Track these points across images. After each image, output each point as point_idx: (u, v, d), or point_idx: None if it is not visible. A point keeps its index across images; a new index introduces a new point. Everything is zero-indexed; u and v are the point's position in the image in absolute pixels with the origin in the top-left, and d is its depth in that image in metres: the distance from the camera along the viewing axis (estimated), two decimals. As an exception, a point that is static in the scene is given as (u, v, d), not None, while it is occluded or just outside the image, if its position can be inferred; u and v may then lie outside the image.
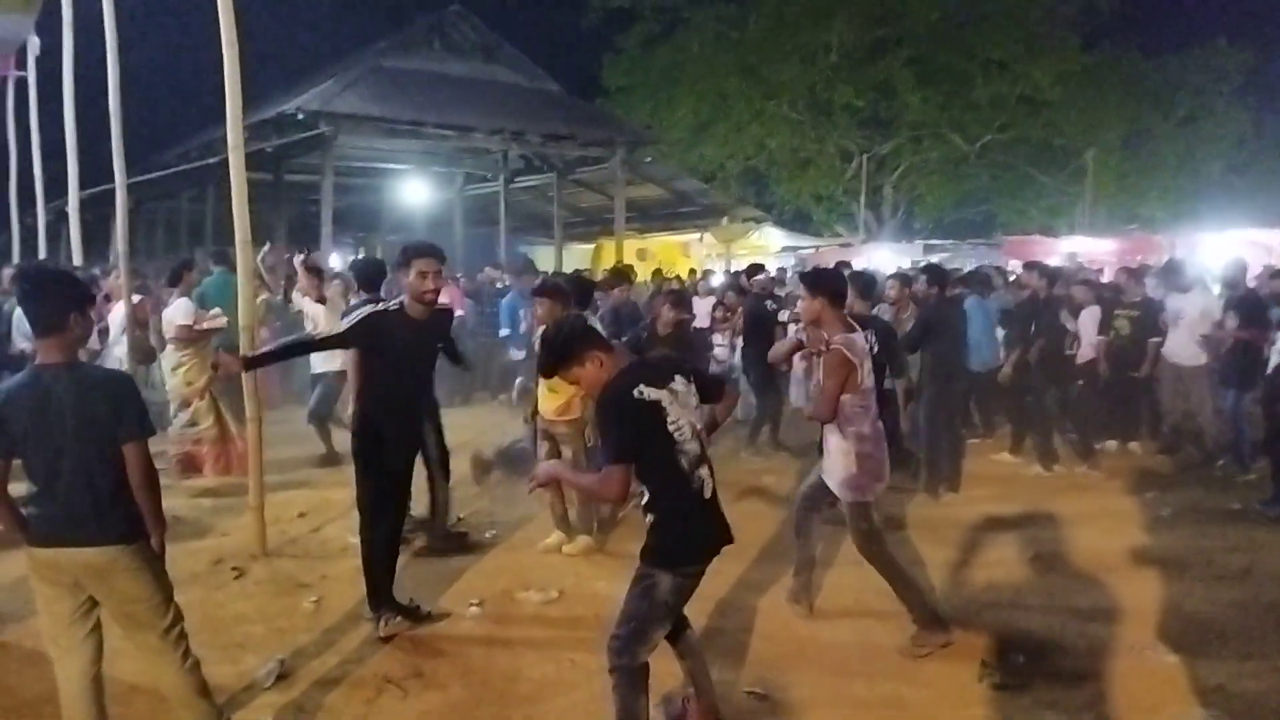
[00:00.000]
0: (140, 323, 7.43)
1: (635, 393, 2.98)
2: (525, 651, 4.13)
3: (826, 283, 4.38)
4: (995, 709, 3.63)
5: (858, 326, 4.36)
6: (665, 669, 3.42)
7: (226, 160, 5.42)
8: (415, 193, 21.07)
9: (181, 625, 3.11)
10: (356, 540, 5.38)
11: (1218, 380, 7.62)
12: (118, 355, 7.63)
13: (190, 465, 7.03)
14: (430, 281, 4.21)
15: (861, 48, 24.91)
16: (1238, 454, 7.32)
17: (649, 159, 20.69)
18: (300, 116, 14.50)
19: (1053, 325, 7.60)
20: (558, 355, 3.09)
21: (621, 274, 8.27)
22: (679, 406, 3.03)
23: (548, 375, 3.28)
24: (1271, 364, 6.39)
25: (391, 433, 4.31)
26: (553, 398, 5.42)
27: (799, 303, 4.59)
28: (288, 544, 5.61)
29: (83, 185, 9.36)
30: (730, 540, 3.21)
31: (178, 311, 6.99)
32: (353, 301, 6.43)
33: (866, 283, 6.84)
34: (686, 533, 3.12)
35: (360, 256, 9.57)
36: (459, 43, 18.62)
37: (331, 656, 4.07)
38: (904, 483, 6.67)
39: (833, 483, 4.29)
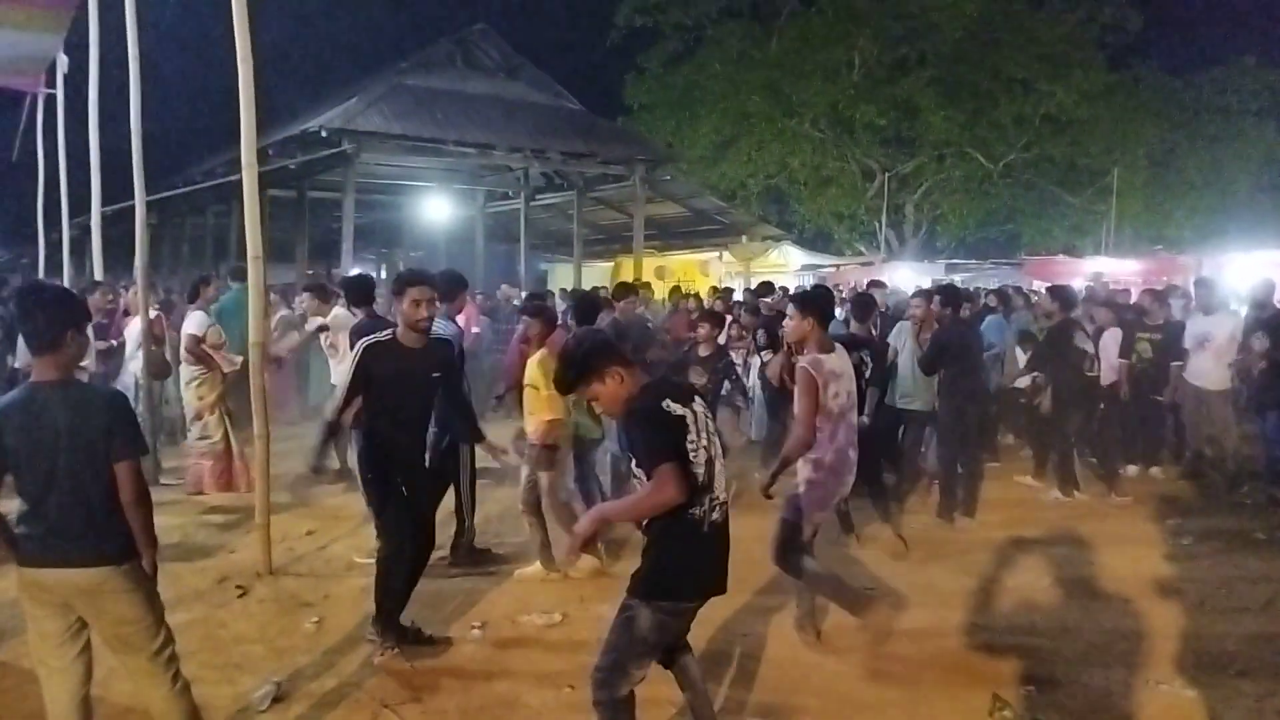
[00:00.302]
0: (156, 338, 7.48)
1: (663, 405, 2.93)
2: (525, 677, 4.07)
3: (816, 304, 4.47)
4: (1004, 745, 3.53)
5: (838, 347, 4.43)
6: (667, 695, 3.36)
7: (247, 176, 5.44)
8: (437, 210, 21.20)
9: (173, 648, 3.08)
10: (362, 559, 5.41)
11: (1245, 405, 7.45)
12: (134, 370, 7.69)
13: (196, 481, 7.07)
14: (424, 310, 4.14)
15: (884, 66, 24.89)
16: (1273, 479, 7.14)
17: (669, 177, 20.71)
18: (324, 134, 14.64)
19: (1071, 349, 7.45)
20: (577, 370, 3.01)
21: (630, 287, 8.16)
22: (698, 429, 2.97)
23: (565, 391, 3.16)
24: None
25: (395, 463, 4.24)
26: (531, 420, 5.34)
27: (787, 321, 4.62)
28: (294, 562, 5.59)
29: (109, 201, 9.49)
30: (723, 590, 3.05)
31: (190, 323, 7.05)
32: (357, 318, 6.41)
33: (864, 304, 6.90)
34: (677, 564, 2.96)
35: (352, 274, 9.45)
36: (482, 61, 18.78)
37: (330, 679, 4.03)
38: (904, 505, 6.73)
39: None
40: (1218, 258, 15.46)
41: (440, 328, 5.51)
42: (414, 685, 3.97)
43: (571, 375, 3.03)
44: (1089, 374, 7.21)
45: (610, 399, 3.03)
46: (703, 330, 7.18)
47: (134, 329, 7.71)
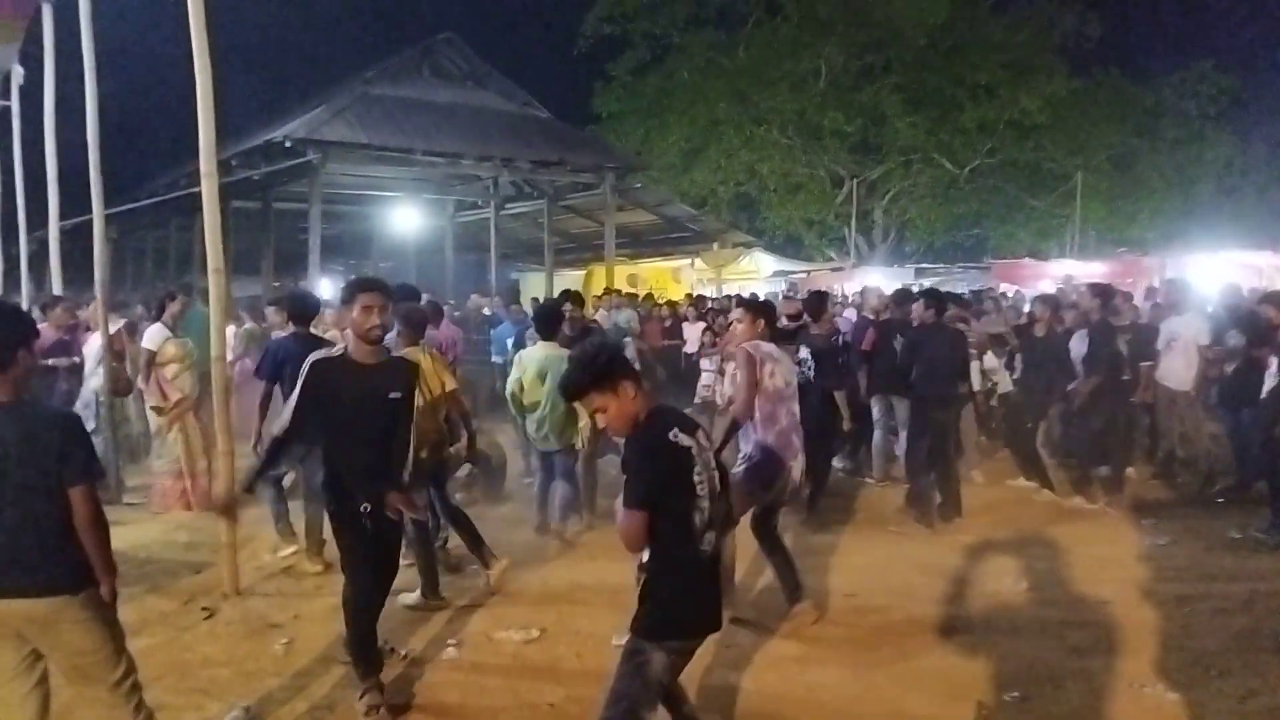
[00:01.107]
0: (117, 354, 7.29)
1: (670, 435, 2.82)
2: (502, 696, 3.97)
3: (761, 308, 5.31)
4: (991, 753, 3.49)
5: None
6: None
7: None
8: (406, 220, 21.02)
9: (134, 677, 2.95)
10: (332, 576, 5.28)
11: (1215, 403, 7.52)
12: (94, 387, 7.49)
13: (161, 500, 6.90)
14: (375, 317, 3.77)
15: (850, 74, 25.09)
16: (1245, 475, 7.20)
17: (639, 185, 20.70)
18: (288, 144, 14.45)
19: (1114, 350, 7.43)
20: (595, 376, 2.85)
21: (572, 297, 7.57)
22: (703, 461, 2.87)
23: (573, 397, 2.99)
24: (1267, 387, 6.29)
25: (353, 490, 3.77)
26: None
27: (735, 325, 5.22)
28: (262, 581, 5.44)
29: (67, 215, 9.26)
30: (718, 627, 2.97)
31: (146, 337, 6.87)
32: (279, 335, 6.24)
33: (817, 302, 7.59)
34: (685, 602, 2.86)
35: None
36: (448, 70, 18.66)
37: (300, 702, 3.91)
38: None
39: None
40: (1181, 259, 15.70)
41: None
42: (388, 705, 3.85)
43: (586, 381, 2.87)
44: (1124, 377, 7.18)
45: (619, 415, 2.88)
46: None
47: (94, 345, 7.51)
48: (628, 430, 2.88)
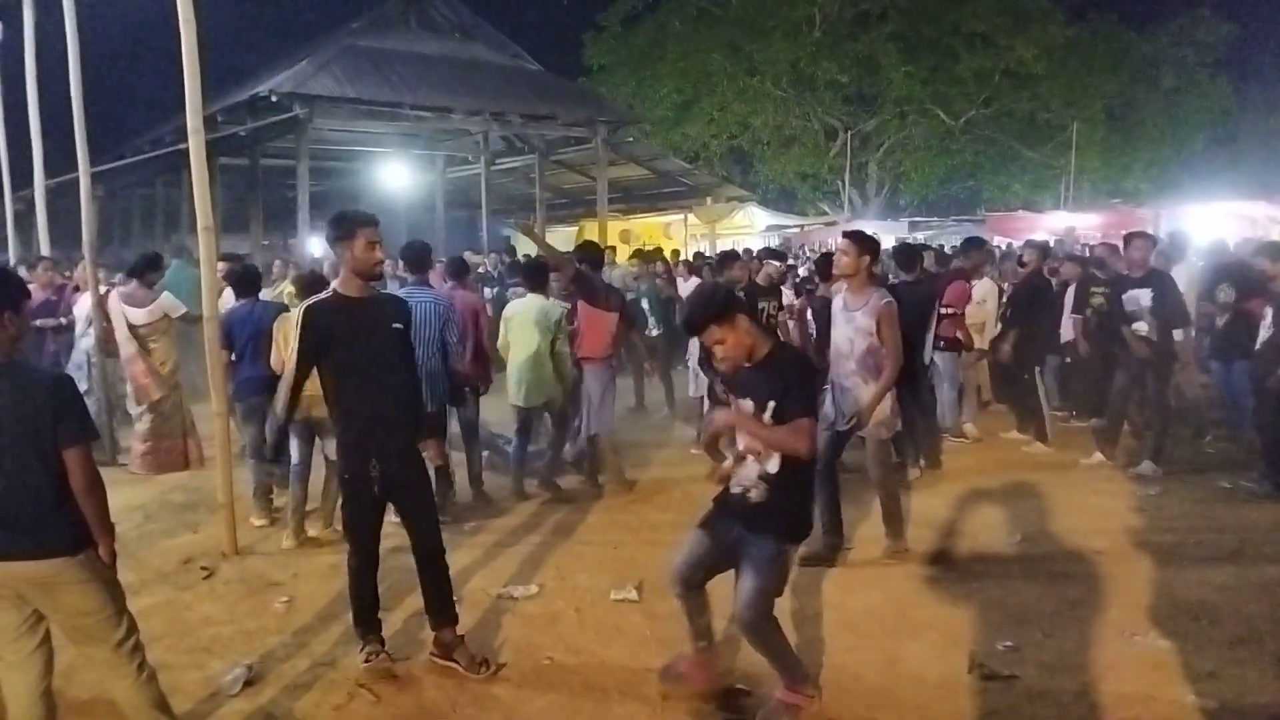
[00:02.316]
0: (106, 314, 7.23)
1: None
2: (503, 651, 4.01)
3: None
4: (985, 700, 3.54)
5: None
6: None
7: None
8: (396, 176, 20.76)
9: (136, 636, 2.96)
10: (329, 532, 5.31)
11: (1207, 356, 7.54)
12: (85, 347, 7.45)
13: (150, 463, 6.91)
14: (379, 252, 3.71)
15: (844, 22, 24.71)
16: (1232, 429, 7.25)
17: (631, 139, 20.45)
18: (274, 99, 14.18)
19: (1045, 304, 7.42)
20: (716, 311, 3.19)
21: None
22: None
23: (694, 331, 3.35)
24: (1261, 338, 6.30)
25: (372, 445, 3.66)
26: None
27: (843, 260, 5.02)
28: (260, 540, 5.46)
29: (53, 173, 9.13)
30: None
31: (171, 307, 6.92)
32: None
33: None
34: (808, 507, 3.41)
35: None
36: (436, 21, 18.27)
37: (302, 659, 3.94)
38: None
39: None
40: (1175, 209, 15.65)
41: (424, 294, 5.43)
42: (389, 662, 3.89)
43: (710, 313, 3.20)
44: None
45: (736, 345, 3.21)
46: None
47: (84, 305, 7.45)
48: (743, 358, 3.24)
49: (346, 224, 3.72)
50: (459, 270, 6.72)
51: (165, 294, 6.97)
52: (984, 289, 7.99)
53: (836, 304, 5.11)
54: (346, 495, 3.81)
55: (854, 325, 4.84)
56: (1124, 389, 6.89)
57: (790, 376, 3.17)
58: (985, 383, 8.38)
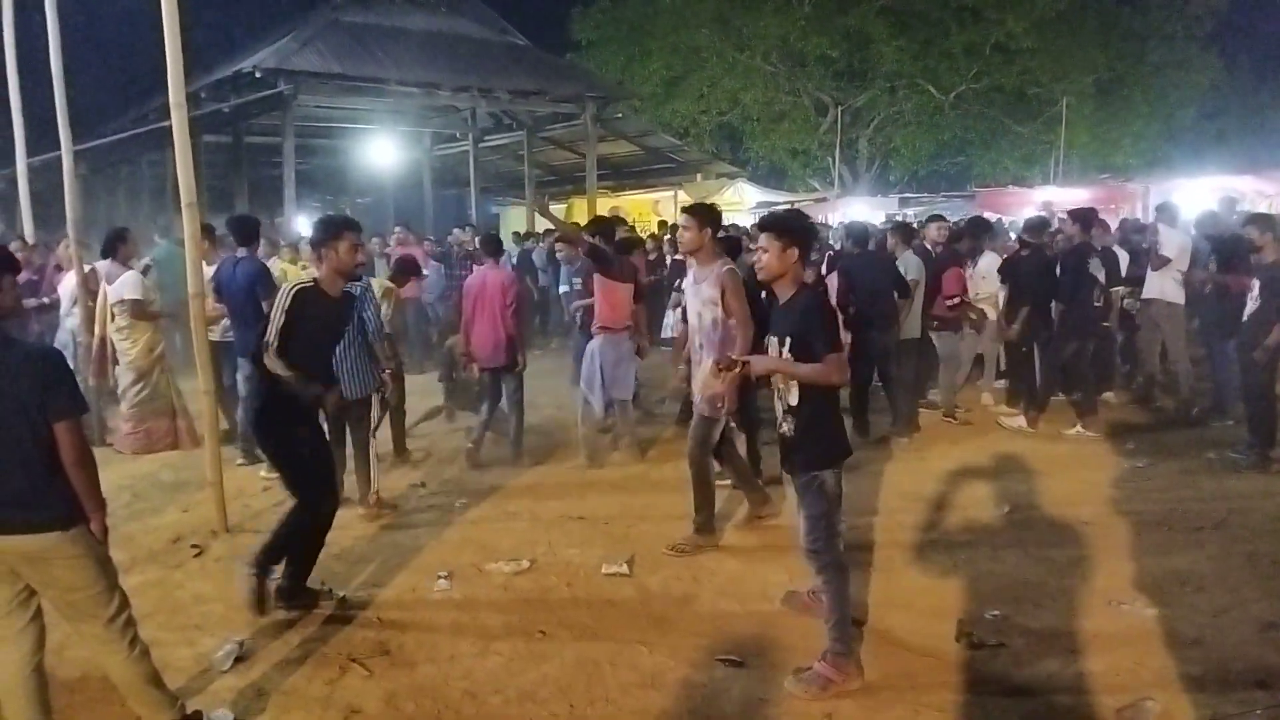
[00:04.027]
0: (92, 292, 7.16)
1: None
2: (495, 625, 4.02)
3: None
4: (972, 669, 3.57)
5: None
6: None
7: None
8: (382, 153, 20.58)
9: (128, 612, 2.96)
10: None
11: (1198, 328, 7.59)
12: (70, 326, 7.39)
13: (138, 443, 6.87)
14: (360, 255, 4.22)
15: (835, -4, 24.53)
16: (1219, 401, 7.31)
17: (621, 115, 20.32)
18: (258, 75, 14.06)
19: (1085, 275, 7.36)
20: (792, 232, 3.49)
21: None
22: None
23: (764, 227, 3.56)
24: (1247, 311, 6.33)
25: (299, 415, 4.10)
26: None
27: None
28: (250, 518, 5.44)
29: (35, 152, 9.01)
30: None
31: (125, 285, 6.73)
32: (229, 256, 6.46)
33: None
34: (838, 430, 3.56)
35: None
36: (421, -5, 18.09)
37: (294, 635, 3.94)
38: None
39: None
40: (1164, 184, 15.66)
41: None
42: (381, 637, 3.91)
43: (779, 227, 3.50)
44: (1095, 304, 7.12)
45: (779, 264, 3.47)
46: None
47: (69, 285, 7.38)
48: (773, 278, 3.51)
49: (335, 226, 4.18)
50: (495, 248, 6.81)
51: (128, 274, 6.82)
52: (989, 262, 8.04)
53: (688, 280, 5.22)
54: (290, 456, 4.16)
55: (701, 297, 4.86)
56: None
57: (813, 318, 3.40)
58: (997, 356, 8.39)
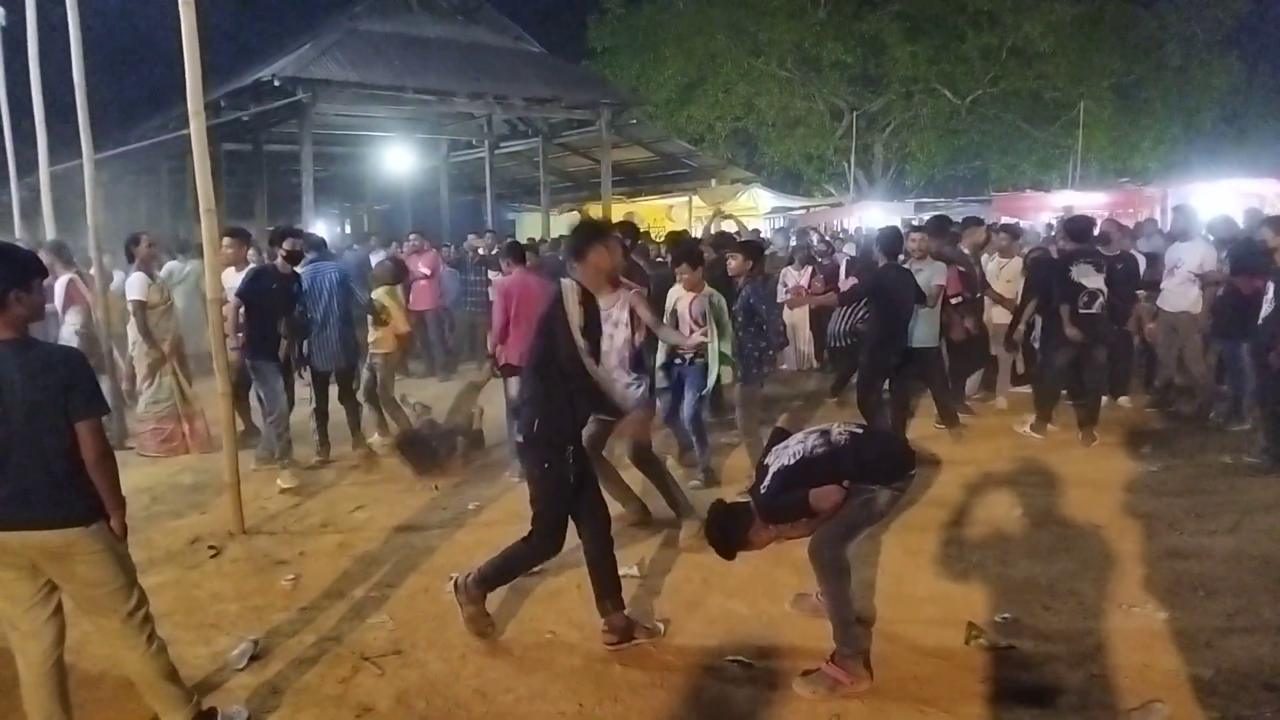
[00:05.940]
0: (80, 296, 7.19)
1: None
2: (506, 625, 4.06)
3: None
4: (983, 671, 3.58)
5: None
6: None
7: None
8: (400, 161, 20.75)
9: (146, 609, 3.02)
10: (337, 514, 5.38)
11: (1211, 331, 7.53)
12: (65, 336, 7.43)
13: (157, 445, 6.96)
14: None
15: (849, 2, 24.52)
16: (1236, 405, 7.26)
17: (635, 121, 20.38)
18: (276, 84, 14.19)
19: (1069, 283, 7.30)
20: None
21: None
22: None
23: None
24: (1263, 314, 6.28)
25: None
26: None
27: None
28: (266, 520, 5.53)
29: (57, 161, 9.17)
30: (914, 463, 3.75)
31: (131, 286, 6.82)
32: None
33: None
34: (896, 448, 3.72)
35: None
36: (438, 4, 18.18)
37: (308, 634, 4.00)
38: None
39: None
40: (1183, 188, 15.55)
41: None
42: (394, 637, 3.95)
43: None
44: (1086, 310, 6.97)
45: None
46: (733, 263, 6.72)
47: (58, 289, 7.38)
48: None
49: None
50: (520, 254, 6.67)
51: (135, 275, 6.85)
52: (1013, 268, 8.01)
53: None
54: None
55: (611, 320, 4.83)
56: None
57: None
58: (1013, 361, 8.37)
